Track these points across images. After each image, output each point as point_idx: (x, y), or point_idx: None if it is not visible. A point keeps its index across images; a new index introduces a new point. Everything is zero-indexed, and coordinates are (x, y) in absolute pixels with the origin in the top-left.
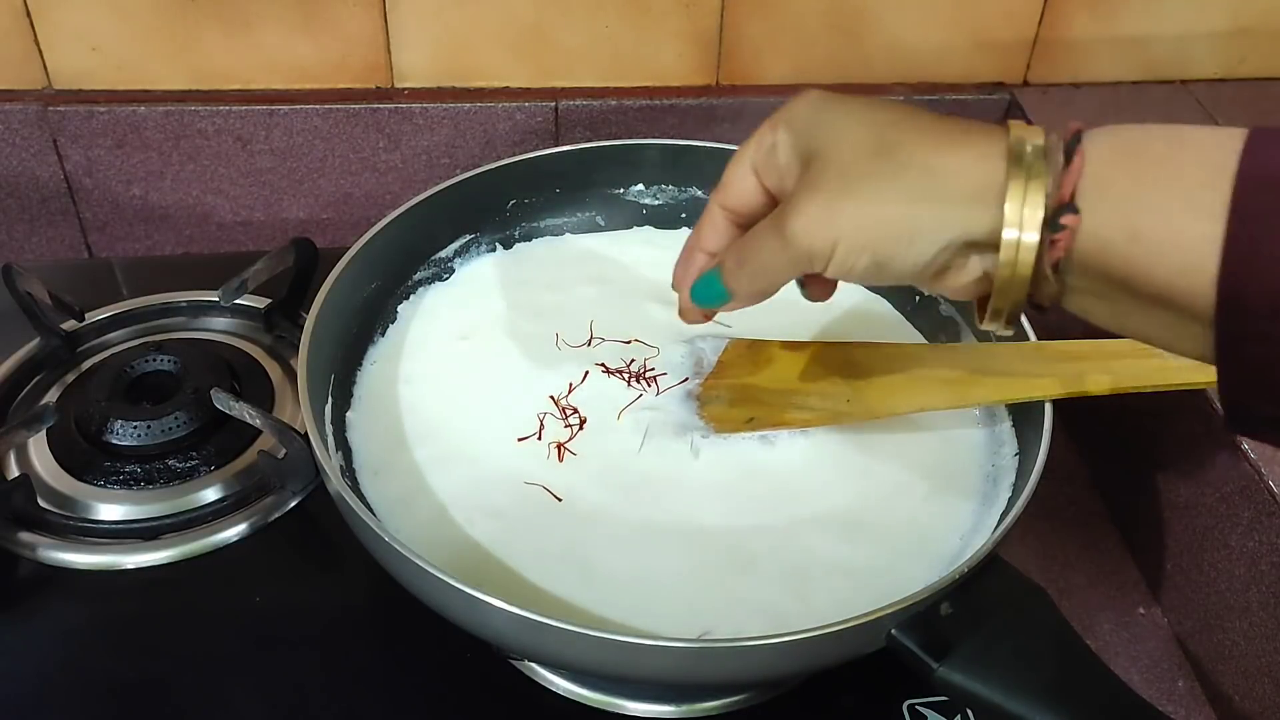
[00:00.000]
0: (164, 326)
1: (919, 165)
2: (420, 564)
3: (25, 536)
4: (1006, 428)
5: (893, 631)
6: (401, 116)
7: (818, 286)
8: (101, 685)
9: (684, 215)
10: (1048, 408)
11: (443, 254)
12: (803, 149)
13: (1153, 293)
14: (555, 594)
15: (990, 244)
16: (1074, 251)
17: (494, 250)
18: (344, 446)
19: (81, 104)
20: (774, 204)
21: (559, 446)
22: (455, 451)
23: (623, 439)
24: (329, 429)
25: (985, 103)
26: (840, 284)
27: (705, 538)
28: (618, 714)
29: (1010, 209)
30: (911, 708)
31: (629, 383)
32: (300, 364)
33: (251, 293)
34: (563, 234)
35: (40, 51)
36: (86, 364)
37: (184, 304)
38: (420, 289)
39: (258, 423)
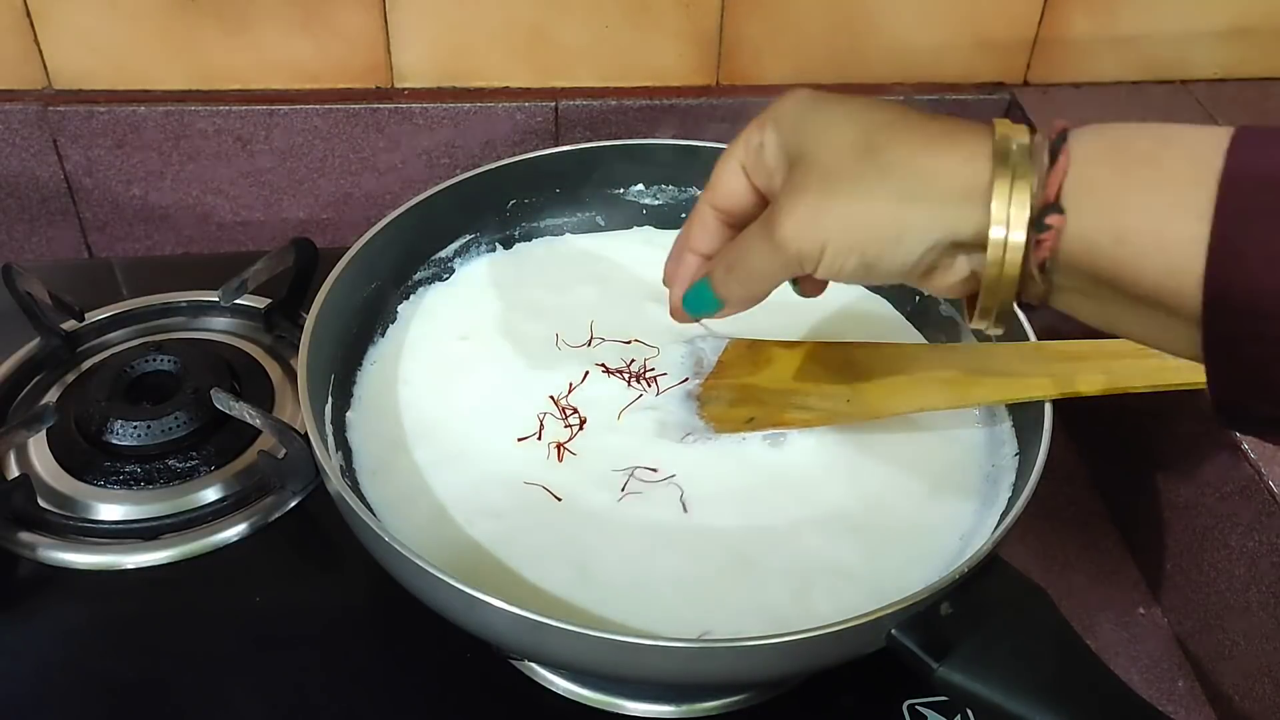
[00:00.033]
0: (164, 326)
1: (905, 166)
2: (420, 564)
3: (25, 536)
4: (1006, 428)
5: (893, 631)
6: (401, 116)
7: (809, 284)
8: (101, 685)
9: (684, 215)
10: (1048, 408)
11: (443, 254)
12: (789, 149)
13: (1140, 292)
14: (555, 594)
15: (977, 244)
16: (1060, 251)
17: (494, 250)
18: (344, 446)
19: (81, 104)
20: (763, 203)
21: (559, 446)
22: (455, 451)
23: (623, 439)
24: (329, 429)
25: (985, 103)
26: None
27: (705, 538)
28: (618, 714)
29: (996, 210)
30: (911, 708)
31: (629, 383)
32: (300, 364)
33: (251, 293)
34: (563, 234)
35: (40, 51)
36: (86, 364)
37: (184, 304)
38: (420, 289)
39: (258, 423)
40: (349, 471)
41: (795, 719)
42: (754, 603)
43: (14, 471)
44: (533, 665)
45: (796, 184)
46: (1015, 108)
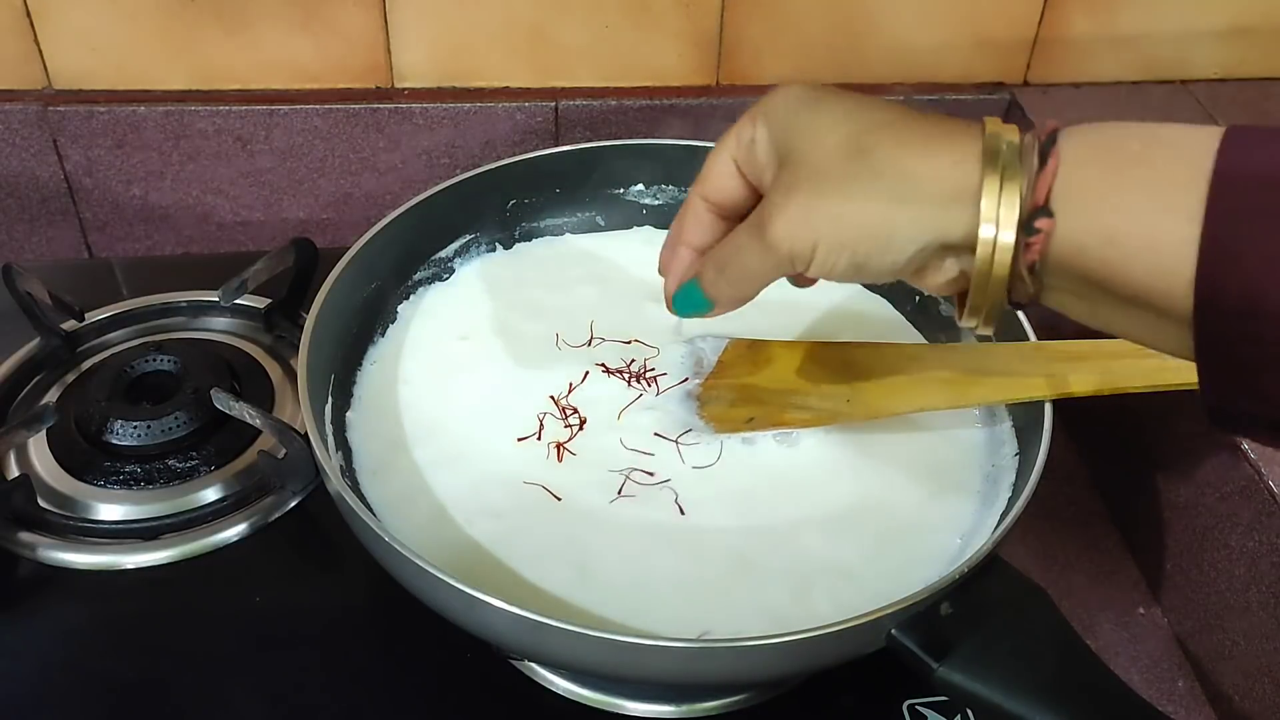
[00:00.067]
0: (164, 326)
1: (895, 168)
2: (420, 564)
3: (25, 536)
4: (1006, 428)
5: (893, 631)
6: (401, 116)
7: (800, 277)
8: (101, 685)
9: None
10: (1048, 408)
11: (443, 254)
12: (780, 146)
13: (1130, 293)
14: (555, 594)
15: (967, 246)
16: (1049, 253)
17: (494, 250)
18: (344, 446)
19: (81, 104)
20: (754, 195)
21: (558, 446)
22: (455, 451)
23: (623, 439)
24: (329, 429)
25: (985, 103)
26: (841, 287)
27: (705, 538)
28: (618, 714)
29: (985, 213)
30: (911, 708)
31: (629, 383)
32: (300, 364)
33: (251, 293)
34: (563, 234)
35: (40, 51)
36: (86, 364)
37: (184, 304)
38: (420, 289)
39: (258, 423)
40: (349, 471)
41: (795, 719)
42: (754, 603)
43: (14, 471)
44: (533, 665)
45: (788, 184)
46: (1015, 108)
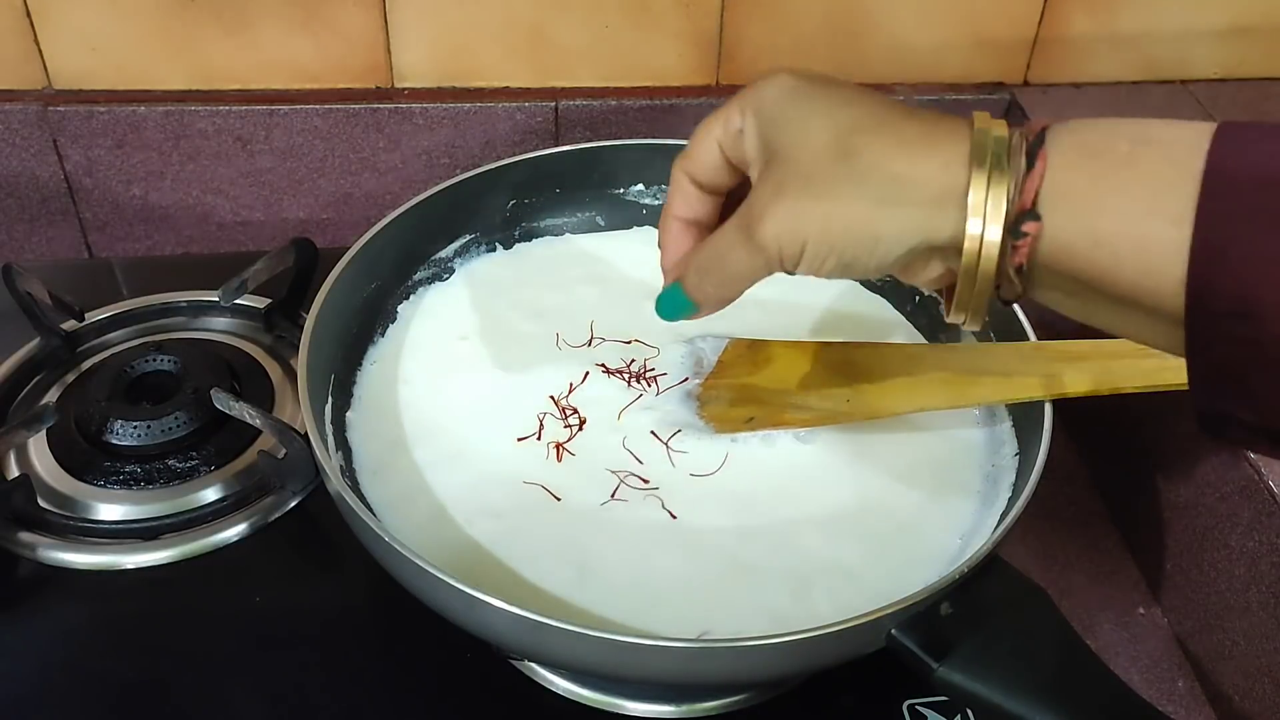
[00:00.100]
0: (164, 326)
1: (882, 171)
2: (420, 564)
3: (25, 536)
4: (1006, 428)
5: (893, 631)
6: (401, 116)
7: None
8: (101, 685)
9: None
10: (1048, 408)
11: (443, 254)
12: (768, 143)
13: (1119, 293)
14: (555, 594)
15: (954, 247)
16: (1037, 255)
17: (494, 250)
18: (344, 446)
19: (81, 104)
20: (738, 176)
21: (558, 446)
22: (455, 451)
23: (622, 439)
24: (329, 429)
25: (985, 103)
26: (841, 287)
27: (705, 538)
28: (618, 714)
29: (972, 217)
30: (911, 708)
31: (629, 383)
32: (300, 364)
33: (251, 293)
34: (563, 234)
35: (40, 51)
36: (86, 364)
37: (184, 304)
38: (420, 289)
39: (258, 423)
40: (349, 471)
41: (795, 719)
42: (754, 603)
43: (14, 471)
44: (533, 665)
45: (776, 185)
46: (1015, 108)
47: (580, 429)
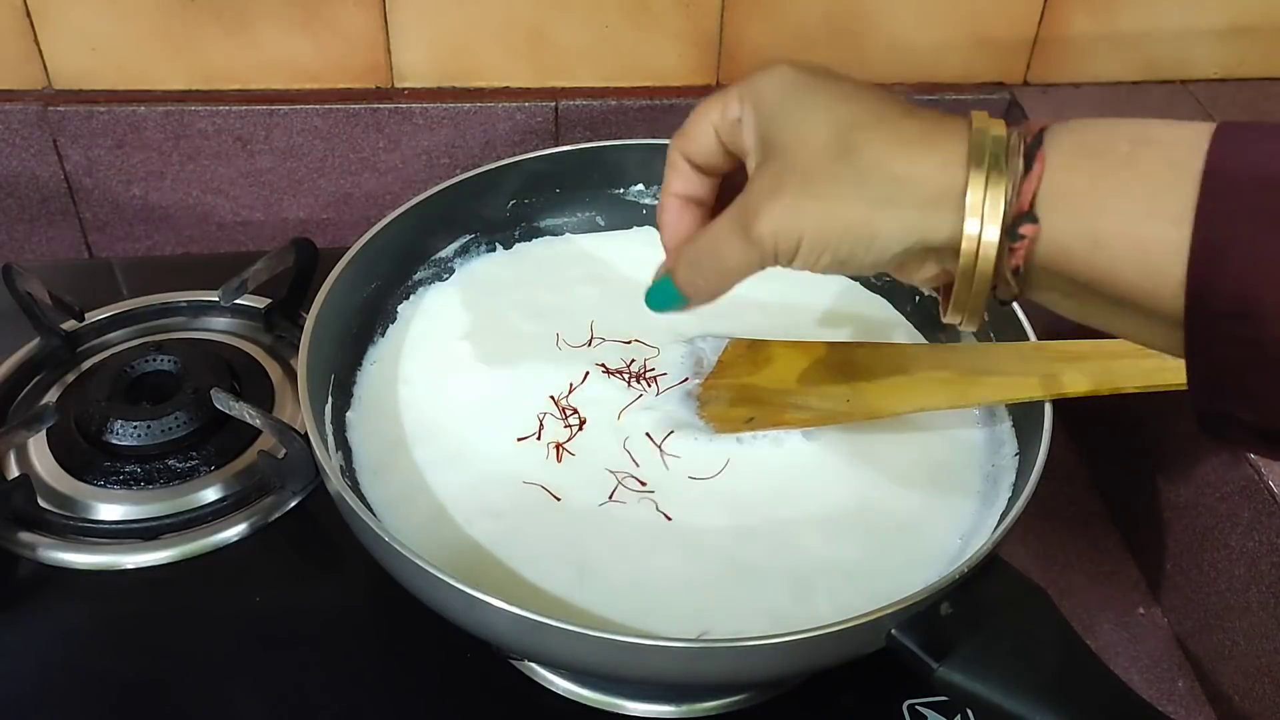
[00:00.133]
0: (164, 326)
1: (880, 170)
2: (420, 564)
3: (25, 536)
4: (1006, 428)
5: (893, 631)
6: (401, 116)
7: None
8: (101, 685)
9: None
10: (1048, 408)
11: (443, 254)
12: (766, 135)
13: (1118, 295)
14: (554, 593)
15: (950, 248)
16: (1035, 256)
17: (494, 250)
18: (344, 446)
19: (81, 104)
20: (733, 160)
21: (558, 447)
22: (455, 451)
23: (622, 439)
24: (329, 429)
25: (985, 103)
26: (841, 287)
27: (705, 538)
28: (618, 714)
29: (969, 219)
30: (911, 708)
31: (629, 383)
32: (300, 364)
33: (251, 293)
34: (563, 234)
35: (40, 51)
36: (86, 364)
37: (184, 304)
38: (420, 289)
39: (258, 423)
40: (349, 471)
41: (795, 719)
42: (754, 603)
43: (14, 471)
44: (533, 665)
45: (774, 181)
46: (1015, 107)
47: (580, 429)
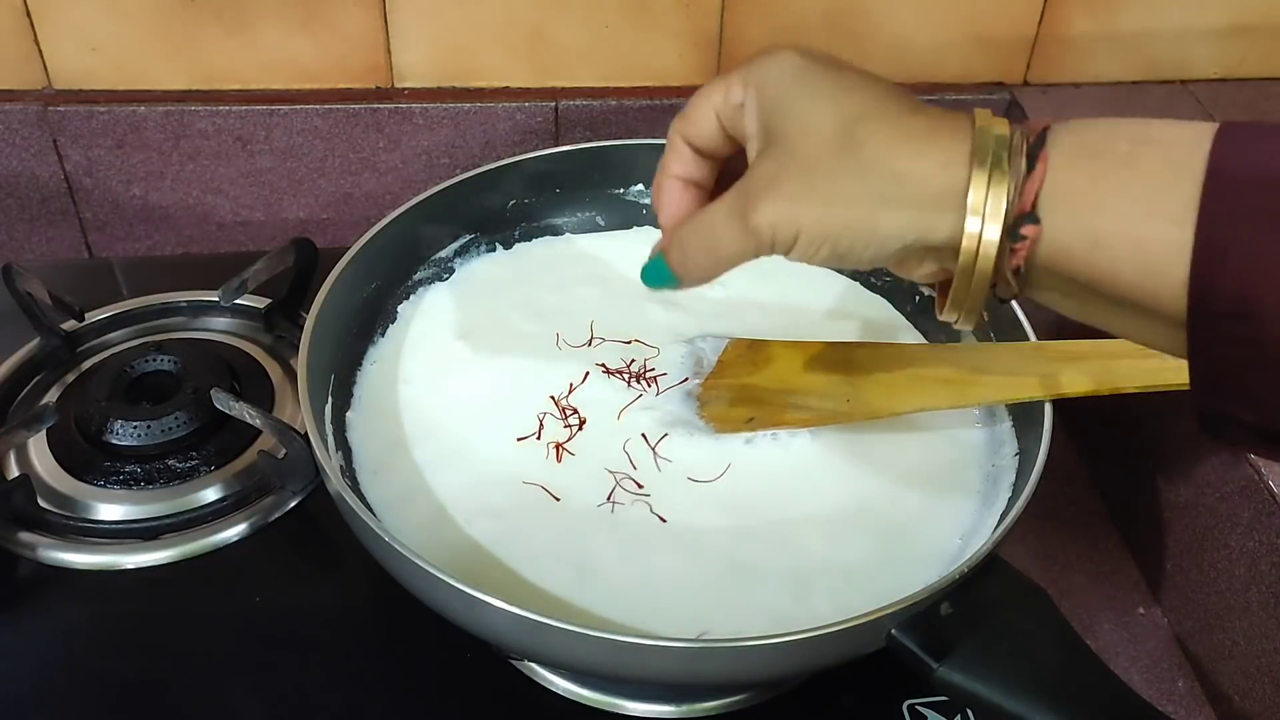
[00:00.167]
0: (164, 326)
1: (883, 166)
2: (420, 564)
3: (25, 536)
4: (1006, 428)
5: (893, 631)
6: (401, 116)
7: None
8: (101, 685)
9: None
10: (1048, 408)
11: (443, 254)
12: (768, 123)
13: (1119, 295)
14: (554, 593)
15: (950, 247)
16: (1036, 256)
17: (494, 250)
18: (344, 446)
19: (81, 104)
20: (734, 144)
21: (557, 447)
22: (455, 451)
23: (622, 439)
24: (329, 429)
25: (985, 103)
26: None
27: (704, 538)
28: (618, 714)
29: (971, 218)
30: (911, 708)
31: (629, 383)
32: (300, 364)
33: (251, 293)
34: (563, 234)
35: (40, 51)
36: (86, 364)
37: (184, 304)
38: (420, 289)
39: (258, 423)
40: (349, 471)
41: (795, 719)
42: (754, 603)
43: (14, 471)
44: (533, 665)
45: (774, 171)
46: (1015, 107)
47: (580, 429)
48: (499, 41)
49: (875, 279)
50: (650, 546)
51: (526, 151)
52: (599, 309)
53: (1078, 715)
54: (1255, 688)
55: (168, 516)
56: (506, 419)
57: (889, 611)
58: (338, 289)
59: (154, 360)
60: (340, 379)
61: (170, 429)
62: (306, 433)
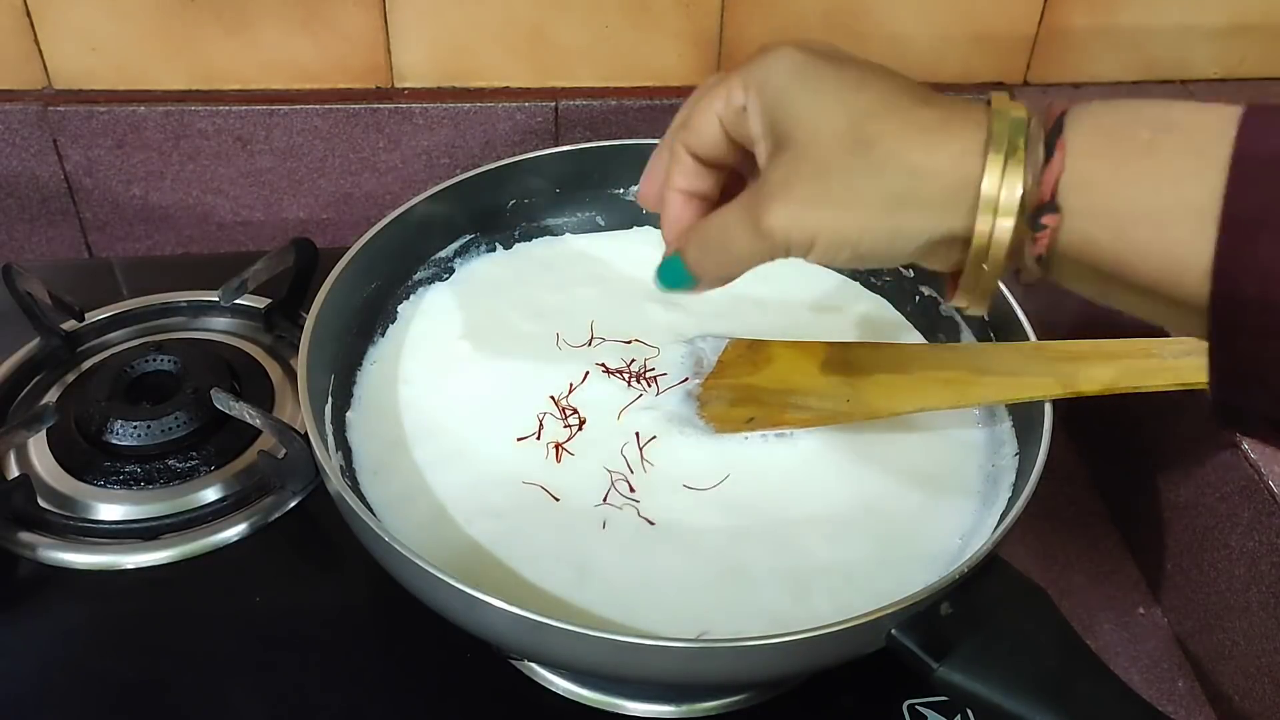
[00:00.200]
0: (164, 326)
1: (898, 163)
2: (420, 564)
3: (25, 536)
4: (1006, 428)
5: (893, 631)
6: (401, 116)
7: None
8: (101, 685)
9: None
10: (1048, 408)
11: (443, 254)
12: (774, 124)
13: (1142, 284)
14: (554, 593)
15: (968, 237)
16: (1057, 245)
17: (494, 250)
18: (344, 446)
19: (81, 104)
20: (740, 150)
21: (557, 447)
22: (455, 451)
23: (621, 439)
24: (329, 429)
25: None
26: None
27: (704, 538)
28: (618, 714)
29: (984, 206)
30: (911, 708)
31: (629, 383)
32: (300, 364)
33: (251, 293)
34: (563, 234)
35: (40, 51)
36: (86, 364)
37: (184, 304)
38: (420, 289)
39: (258, 423)
40: (349, 471)
41: (795, 719)
42: (753, 603)
43: (14, 471)
44: (533, 665)
45: (786, 174)
46: None
47: (580, 429)
48: (499, 41)
49: (875, 279)
50: (650, 547)
51: (526, 151)
52: (599, 309)
53: (1078, 715)
54: (1255, 688)
55: (168, 516)
56: (506, 419)
57: (889, 611)
58: (338, 289)
59: (154, 360)
60: (340, 379)
61: (170, 429)
62: (306, 433)
